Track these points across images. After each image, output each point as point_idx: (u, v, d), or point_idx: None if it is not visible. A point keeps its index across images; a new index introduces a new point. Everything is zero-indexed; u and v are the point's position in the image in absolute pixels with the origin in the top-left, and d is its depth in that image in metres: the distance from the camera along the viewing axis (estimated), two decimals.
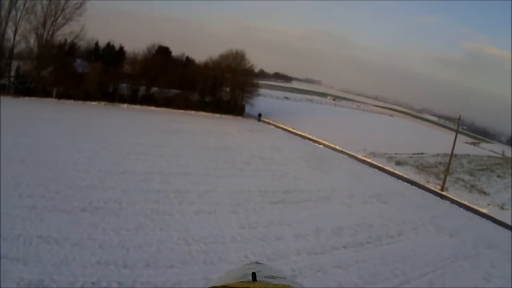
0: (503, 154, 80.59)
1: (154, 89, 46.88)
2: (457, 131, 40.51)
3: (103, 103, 42.56)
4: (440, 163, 44.79)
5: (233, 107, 50.72)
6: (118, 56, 49.24)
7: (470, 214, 27.61)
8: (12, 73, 41.53)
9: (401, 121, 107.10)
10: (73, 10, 41.90)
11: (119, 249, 12.73)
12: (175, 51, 54.57)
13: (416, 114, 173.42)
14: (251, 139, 37.19)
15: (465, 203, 30.14)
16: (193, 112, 47.19)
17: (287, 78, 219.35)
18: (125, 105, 43.65)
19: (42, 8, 40.24)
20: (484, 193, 35.69)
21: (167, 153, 26.34)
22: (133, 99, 45.04)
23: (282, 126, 49.01)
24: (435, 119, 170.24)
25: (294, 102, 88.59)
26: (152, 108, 45.09)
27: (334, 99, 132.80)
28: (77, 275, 10.97)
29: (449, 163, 36.24)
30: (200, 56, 55.34)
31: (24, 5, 39.56)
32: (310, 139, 43.32)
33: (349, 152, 39.63)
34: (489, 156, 69.84)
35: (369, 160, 38.03)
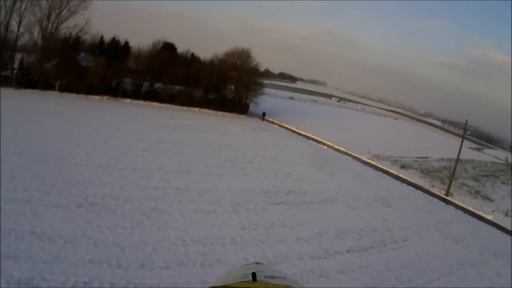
0: (506, 161, 79.80)
1: (158, 85, 46.62)
2: (463, 136, 39.91)
3: (106, 97, 42.27)
4: (445, 167, 44.15)
5: (237, 105, 50.28)
6: (123, 51, 49.04)
7: (475, 220, 27.04)
8: (16, 65, 41.32)
9: (405, 125, 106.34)
10: (78, 3, 41.64)
11: (113, 248, 12.24)
12: (180, 48, 54.42)
13: (420, 118, 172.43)
14: (254, 138, 36.72)
15: (470, 209, 29.61)
16: (196, 109, 46.86)
17: (292, 79, 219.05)
18: (128, 100, 43.36)
19: (47, 0, 39.92)
20: (489, 199, 35.10)
21: (168, 150, 25.90)
22: (136, 94, 44.79)
23: (286, 125, 48.57)
24: (439, 123, 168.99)
25: (298, 103, 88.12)
26: (156, 104, 44.78)
27: (339, 101, 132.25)
28: (69, 274, 10.51)
29: (455, 168, 35.61)
30: (205, 53, 55.11)
31: None
32: (314, 140, 42.79)
33: (353, 154, 39.10)
34: (493, 162, 69.09)
35: (373, 163, 37.48)
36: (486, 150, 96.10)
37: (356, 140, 46.07)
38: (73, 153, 21.00)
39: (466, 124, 38.10)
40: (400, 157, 43.16)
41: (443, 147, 62.81)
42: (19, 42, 41.25)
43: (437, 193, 32.07)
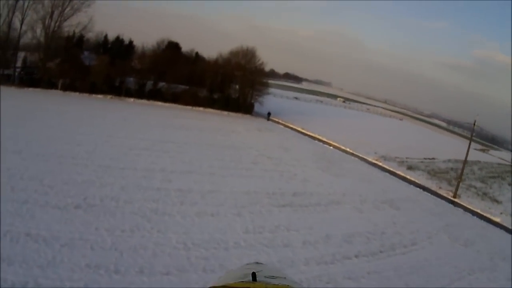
0: None
1: (162, 84, 46.32)
2: (471, 137, 39.29)
3: (109, 96, 42.03)
4: (452, 169, 43.53)
5: (242, 105, 49.86)
6: (127, 50, 48.81)
7: (483, 223, 26.42)
8: (19, 64, 41.19)
9: (411, 125, 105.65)
10: (81, 1, 41.41)
11: (111, 251, 11.70)
12: (185, 47, 54.17)
13: (425, 119, 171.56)
14: (259, 138, 36.20)
15: (478, 211, 29.01)
16: (201, 108, 46.56)
17: (297, 79, 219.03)
18: (132, 99, 43.10)
19: None
20: (497, 201, 34.44)
21: (171, 150, 25.39)
22: (140, 93, 44.51)
23: (291, 126, 48.06)
24: (444, 124, 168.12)
25: (304, 103, 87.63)
26: (159, 103, 44.54)
27: (344, 101, 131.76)
28: (64, 279, 10.00)
29: (463, 170, 35.05)
30: (210, 53, 54.64)
31: None
32: (320, 140, 42.26)
33: (359, 154, 38.54)
34: (499, 164, 68.32)
35: (380, 164, 36.90)
36: (491, 151, 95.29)
37: (362, 141, 45.50)
38: (73, 152, 20.55)
39: (474, 124, 37.41)
40: (406, 158, 42.60)
41: (448, 148, 62.62)
42: (22, 41, 41.15)
43: (445, 195, 31.47)
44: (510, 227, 26.66)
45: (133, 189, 17.08)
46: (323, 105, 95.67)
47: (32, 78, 39.59)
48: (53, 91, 38.51)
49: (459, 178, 33.47)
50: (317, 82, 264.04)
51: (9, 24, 38.84)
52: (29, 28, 39.97)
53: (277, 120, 50.11)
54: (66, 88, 39.90)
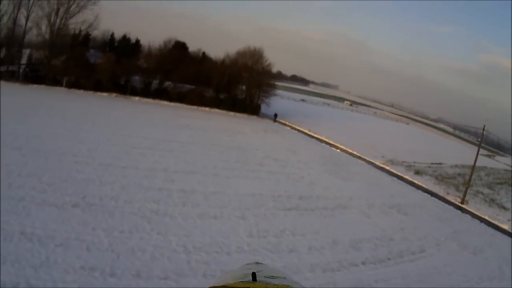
0: None
1: (168, 83, 46.03)
2: (480, 143, 38.54)
3: (114, 94, 41.84)
4: (459, 174, 42.87)
5: (249, 106, 49.51)
6: (134, 49, 48.59)
7: (491, 230, 25.68)
8: (24, 61, 41.10)
9: (417, 130, 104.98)
10: None
11: (108, 253, 11.16)
12: (192, 48, 54.05)
13: (432, 123, 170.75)
14: (265, 140, 35.66)
15: (486, 218, 28.34)
16: (206, 108, 46.32)
17: (304, 81, 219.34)
18: (137, 98, 42.89)
19: None
20: (504, 208, 33.69)
21: (175, 149, 24.94)
22: (146, 92, 44.28)
23: (298, 128, 47.58)
24: (450, 129, 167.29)
25: (311, 105, 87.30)
26: (165, 102, 44.36)
27: (351, 104, 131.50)
28: (57, 281, 9.52)
29: (471, 176, 34.41)
30: (217, 53, 54.52)
31: None
32: (327, 143, 41.62)
33: (367, 158, 37.96)
34: (505, 170, 67.49)
35: (387, 168, 36.29)
36: (497, 157, 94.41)
37: (369, 144, 44.95)
38: (74, 150, 20.15)
39: (484, 129, 36.68)
40: (414, 162, 42.02)
41: (455, 153, 62.07)
42: (28, 37, 41.01)
43: (453, 200, 30.82)
44: None
45: (134, 188, 16.58)
46: (330, 107, 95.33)
47: (36, 75, 39.48)
48: (58, 88, 38.39)
49: (467, 184, 32.88)
50: (324, 84, 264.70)
51: (14, 21, 38.73)
52: (35, 24, 39.96)
53: (283, 121, 49.70)
54: (71, 85, 39.77)
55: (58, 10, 39.49)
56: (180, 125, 33.07)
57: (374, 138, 54.80)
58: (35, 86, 37.35)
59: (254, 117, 49.03)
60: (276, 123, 48.37)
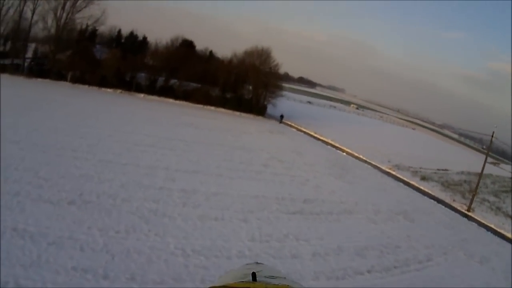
0: None
1: (174, 81, 45.72)
2: (488, 150, 38.08)
3: (119, 91, 41.61)
4: (465, 181, 42.32)
5: (255, 106, 49.16)
6: (141, 46, 48.34)
7: (497, 239, 25.13)
8: (30, 55, 40.93)
9: (423, 135, 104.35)
10: None
11: (102, 254, 10.62)
12: (199, 46, 53.85)
13: (437, 130, 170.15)
14: (271, 141, 35.17)
15: (492, 226, 27.80)
16: (212, 107, 46.04)
17: (311, 84, 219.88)
18: (142, 95, 42.66)
19: None
20: (510, 217, 33.11)
21: (178, 148, 24.46)
22: (151, 89, 44.04)
23: (304, 129, 47.07)
24: (455, 136, 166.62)
25: (317, 107, 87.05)
26: (170, 100, 44.16)
27: (357, 108, 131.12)
28: (46, 282, 9.02)
29: (478, 183, 33.89)
30: (224, 53, 54.38)
31: None
32: (333, 146, 41.14)
33: (373, 162, 37.37)
34: (511, 178, 66.92)
35: (393, 173, 35.73)
36: (502, 165, 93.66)
37: (375, 149, 44.42)
38: (74, 145, 19.73)
39: (492, 136, 36.05)
40: (420, 168, 41.47)
41: (461, 159, 61.61)
42: (34, 31, 40.86)
43: (459, 208, 30.28)
44: None
45: (133, 187, 16.06)
46: (336, 110, 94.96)
47: (41, 69, 39.30)
48: (62, 83, 38.25)
49: (474, 192, 32.39)
50: (330, 87, 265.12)
51: (20, 14, 38.58)
52: (41, 18, 39.79)
53: (290, 123, 49.29)
54: (76, 80, 39.63)
55: (64, 4, 39.34)
56: (184, 124, 32.66)
57: (380, 142, 54.35)
58: (39, 80, 37.24)
59: (260, 117, 48.70)
60: (282, 124, 47.95)
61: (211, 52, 54.42)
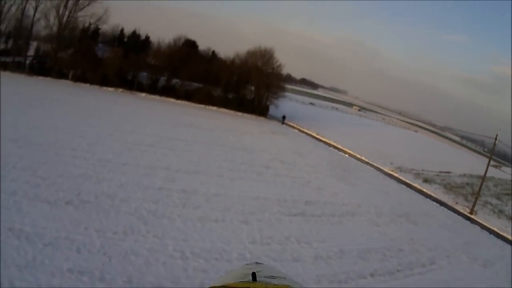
0: None
1: (176, 81, 45.54)
2: (492, 152, 37.82)
3: (120, 90, 41.54)
4: (467, 183, 42.12)
5: (257, 107, 48.99)
6: (143, 45, 48.25)
7: (500, 242, 24.90)
8: (32, 53, 40.85)
9: (426, 138, 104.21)
10: None
11: (99, 256, 10.34)
12: (202, 46, 53.82)
13: (439, 132, 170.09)
14: (273, 141, 34.91)
15: (495, 229, 27.62)
16: (214, 108, 45.91)
17: (313, 85, 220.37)
18: (143, 94, 42.56)
19: None
20: None
21: (179, 147, 24.21)
22: (153, 88, 43.91)
23: (306, 131, 46.88)
24: (457, 138, 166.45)
25: (319, 109, 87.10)
26: (172, 99, 44.08)
27: (359, 110, 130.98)
28: (41, 283, 8.74)
29: (481, 186, 33.75)
30: (226, 53, 54.33)
31: None
32: (335, 147, 40.89)
33: (375, 164, 37.15)
34: None
35: (396, 175, 35.50)
36: (504, 168, 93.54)
37: (377, 150, 44.32)
38: (73, 144, 19.48)
39: (496, 139, 35.80)
40: (422, 170, 41.31)
41: (462, 162, 61.66)
42: (35, 29, 40.75)
43: (461, 210, 30.09)
44: None
45: (132, 187, 15.78)
46: (338, 112, 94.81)
47: (43, 67, 39.14)
48: (63, 81, 38.21)
49: (477, 195, 32.29)
50: (332, 89, 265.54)
51: (23, 11, 38.39)
52: (43, 16, 39.66)
53: (292, 124, 49.12)
54: (77, 79, 39.56)
55: (67, 2, 39.30)
56: (185, 123, 32.44)
57: (383, 144, 54.17)
58: (40, 78, 37.26)
59: (262, 118, 48.53)
60: (284, 125, 47.73)
61: (213, 52, 54.35)
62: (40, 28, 40.95)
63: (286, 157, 29.32)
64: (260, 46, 50.61)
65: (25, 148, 17.19)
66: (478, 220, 28.75)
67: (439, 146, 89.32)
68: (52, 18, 39.87)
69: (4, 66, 36.11)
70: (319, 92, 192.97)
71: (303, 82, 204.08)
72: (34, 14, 39.12)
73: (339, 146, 41.50)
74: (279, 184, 21.80)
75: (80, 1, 39.91)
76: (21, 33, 39.44)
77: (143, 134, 25.06)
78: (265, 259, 12.53)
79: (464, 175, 47.57)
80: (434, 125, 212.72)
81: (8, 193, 12.54)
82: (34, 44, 41.78)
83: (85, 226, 11.69)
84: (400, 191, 29.99)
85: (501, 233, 27.05)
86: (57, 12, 39.30)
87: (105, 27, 45.80)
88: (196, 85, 46.20)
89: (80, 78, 39.61)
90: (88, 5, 40.54)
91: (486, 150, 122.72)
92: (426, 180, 36.45)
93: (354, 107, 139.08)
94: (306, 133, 45.87)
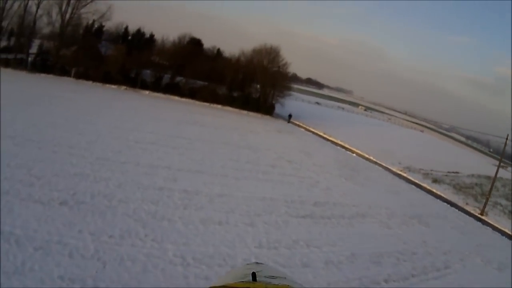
0: None
1: (180, 79, 44.98)
2: (503, 153, 37.25)
3: (123, 87, 41.09)
4: (476, 184, 41.33)
5: (263, 105, 48.34)
6: (148, 43, 47.73)
7: None
8: (35, 50, 40.47)
9: (432, 138, 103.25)
10: None
11: (93, 262, 9.57)
12: (207, 45, 53.43)
13: (445, 132, 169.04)
14: (279, 140, 34.18)
15: (507, 231, 26.77)
16: (219, 106, 45.37)
17: (319, 85, 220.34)
18: (147, 92, 42.10)
19: None
20: None
21: (181, 146, 23.47)
22: (156, 86, 43.49)
23: (313, 130, 46.15)
24: (463, 139, 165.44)
25: (325, 108, 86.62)
26: (176, 97, 43.62)
27: (365, 109, 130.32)
28: None
29: (492, 187, 33.00)
30: (232, 52, 53.87)
31: None
32: (342, 146, 40.14)
33: (383, 164, 36.34)
34: None
35: (405, 175, 34.66)
36: (509, 168, 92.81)
37: (385, 150, 43.33)
38: (71, 141, 18.80)
39: (507, 139, 34.95)
40: (431, 170, 40.41)
41: (469, 162, 60.67)
42: (39, 26, 40.39)
43: (472, 211, 29.25)
44: None
45: (131, 186, 15.02)
46: (344, 112, 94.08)
47: (45, 64, 38.73)
48: (65, 78, 37.83)
49: (488, 195, 31.46)
50: (338, 89, 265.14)
51: (25, 8, 38.00)
52: (45, 12, 39.18)
53: (298, 123, 48.47)
54: (79, 76, 39.21)
55: None
56: (189, 121, 31.82)
57: (390, 144, 53.33)
58: (42, 75, 36.95)
59: (268, 117, 47.91)
60: (290, 124, 47.12)
61: (218, 50, 53.75)
62: (43, 25, 40.70)
63: (293, 156, 28.58)
64: (266, 44, 49.99)
65: (21, 146, 16.58)
66: (489, 221, 27.99)
67: (445, 146, 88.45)
68: (55, 15, 39.60)
69: (6, 63, 35.80)
70: (325, 92, 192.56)
71: (309, 82, 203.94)
72: (37, 11, 38.83)
73: (347, 146, 40.74)
74: (286, 184, 21.02)
75: None
76: (24, 30, 39.05)
77: (145, 131, 24.41)
78: (273, 265, 11.69)
79: (473, 175, 46.88)
80: (439, 125, 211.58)
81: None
82: (36, 41, 41.37)
83: (79, 228, 10.94)
84: (410, 191, 29.21)
85: None
86: (60, 9, 39.01)
87: (109, 25, 45.54)
88: (200, 83, 45.68)
89: (83, 75, 39.20)
90: (91, 1, 40.14)
91: (491, 150, 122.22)
92: (435, 181, 35.67)
93: (360, 106, 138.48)
94: (313, 132, 45.14)
